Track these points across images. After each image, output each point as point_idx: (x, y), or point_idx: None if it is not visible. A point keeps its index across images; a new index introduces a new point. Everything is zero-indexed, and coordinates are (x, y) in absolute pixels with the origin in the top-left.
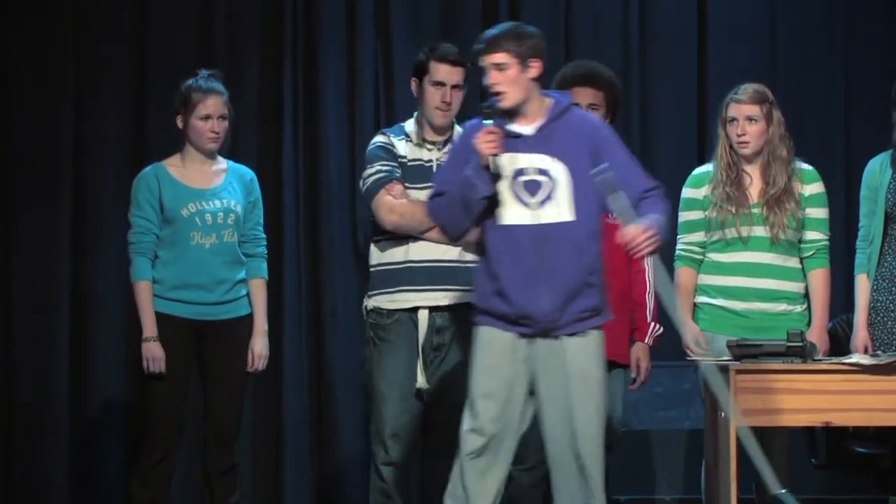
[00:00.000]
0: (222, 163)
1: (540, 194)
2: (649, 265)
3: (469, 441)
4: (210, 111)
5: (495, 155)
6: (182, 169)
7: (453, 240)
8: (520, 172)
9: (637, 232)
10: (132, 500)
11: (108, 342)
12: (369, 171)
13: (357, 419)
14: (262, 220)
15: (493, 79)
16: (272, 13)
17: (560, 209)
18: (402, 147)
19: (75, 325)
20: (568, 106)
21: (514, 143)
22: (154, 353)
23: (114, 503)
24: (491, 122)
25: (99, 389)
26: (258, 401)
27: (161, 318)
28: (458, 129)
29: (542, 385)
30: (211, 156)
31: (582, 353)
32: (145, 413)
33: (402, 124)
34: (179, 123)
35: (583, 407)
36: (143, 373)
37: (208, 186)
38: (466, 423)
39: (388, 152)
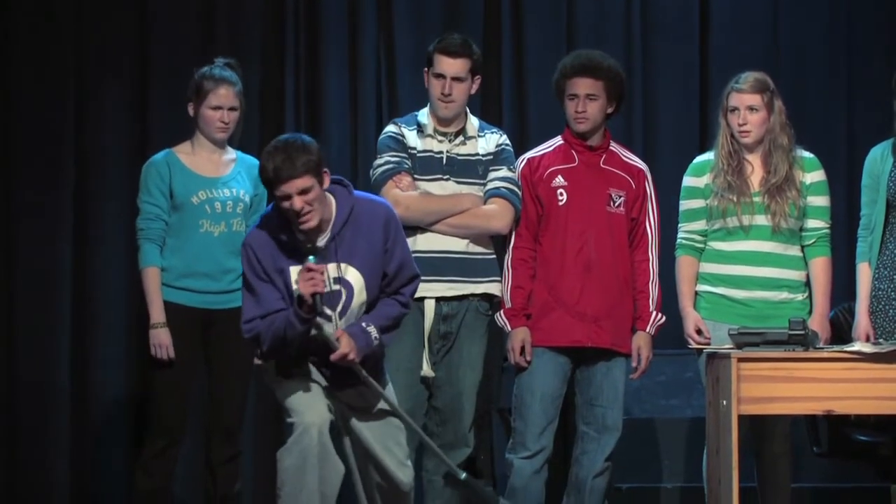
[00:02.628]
0: (231, 153)
1: (339, 305)
2: (653, 254)
3: None
4: (221, 101)
5: (318, 293)
6: (192, 157)
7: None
8: None
9: (344, 352)
10: (135, 488)
11: (110, 332)
12: (378, 161)
13: None
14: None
15: (301, 204)
16: (274, 3)
17: (357, 316)
18: (413, 138)
19: (77, 316)
20: (352, 205)
21: (300, 257)
22: (162, 340)
23: (116, 492)
24: (313, 258)
25: (101, 380)
26: (259, 389)
27: (168, 307)
28: (472, 120)
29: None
30: (220, 145)
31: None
32: (150, 401)
33: (416, 113)
34: (191, 111)
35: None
36: (148, 361)
37: (218, 175)
38: None
39: (398, 143)
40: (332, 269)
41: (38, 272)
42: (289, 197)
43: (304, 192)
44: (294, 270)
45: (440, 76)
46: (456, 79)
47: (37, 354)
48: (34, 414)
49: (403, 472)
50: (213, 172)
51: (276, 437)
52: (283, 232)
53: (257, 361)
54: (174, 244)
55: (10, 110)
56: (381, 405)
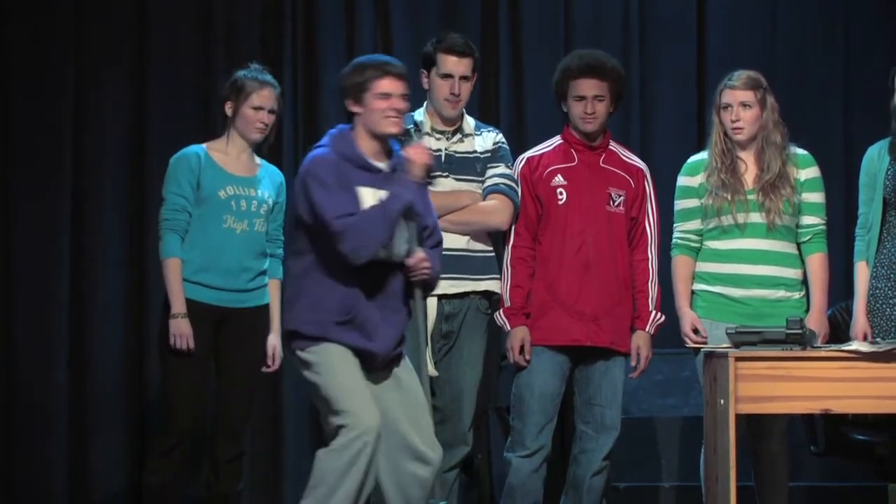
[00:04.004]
0: (257, 159)
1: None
2: (652, 253)
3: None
4: (263, 102)
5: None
6: (223, 155)
7: (358, 262)
8: None
9: (422, 256)
10: (144, 483)
11: (108, 331)
12: None
13: None
14: (283, 223)
15: (403, 104)
16: (273, 1)
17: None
18: None
19: (75, 314)
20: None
21: (373, 177)
22: (182, 330)
23: (114, 491)
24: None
25: (100, 380)
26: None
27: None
28: (468, 118)
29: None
30: (253, 147)
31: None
32: (163, 398)
33: (411, 114)
34: (228, 111)
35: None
36: (162, 357)
37: (247, 175)
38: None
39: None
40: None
41: (35, 270)
42: (389, 95)
43: (404, 96)
44: (363, 191)
45: (448, 76)
46: (463, 78)
47: (35, 354)
48: (33, 414)
49: (434, 451)
50: (244, 172)
51: (273, 437)
52: (352, 152)
53: (267, 369)
54: (195, 237)
55: (9, 109)
56: (413, 384)
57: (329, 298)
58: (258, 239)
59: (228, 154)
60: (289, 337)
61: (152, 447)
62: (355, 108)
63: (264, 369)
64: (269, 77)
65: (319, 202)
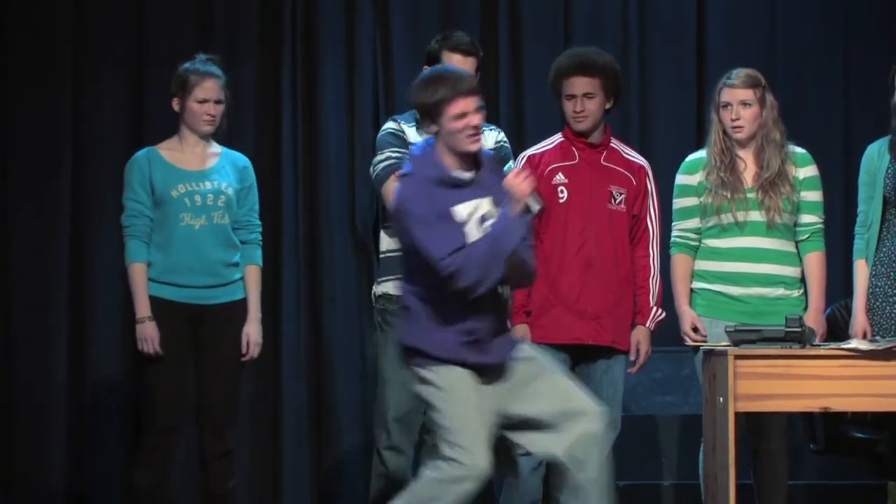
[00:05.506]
0: (216, 147)
1: None
2: (653, 251)
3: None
4: (207, 95)
5: (534, 189)
6: (175, 152)
7: (473, 296)
8: (485, 218)
9: (513, 175)
10: (133, 484)
11: (107, 330)
12: (379, 157)
13: (355, 405)
14: (256, 207)
15: (479, 120)
16: (272, 1)
17: None
18: (413, 134)
19: (74, 313)
20: None
21: (463, 192)
22: (147, 333)
23: (113, 491)
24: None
25: (99, 379)
26: (257, 386)
27: (156, 303)
28: None
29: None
30: (205, 139)
31: None
32: (145, 398)
33: (412, 112)
34: (176, 106)
35: None
36: (140, 358)
37: (200, 169)
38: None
39: (399, 139)
40: (488, 203)
41: (35, 270)
42: (465, 115)
43: (478, 109)
44: (458, 209)
45: None
46: None
47: (35, 354)
48: (32, 413)
49: (594, 407)
50: (195, 166)
51: (272, 435)
52: (440, 172)
53: (246, 358)
54: (158, 240)
55: (8, 108)
56: (534, 367)
57: (455, 318)
58: (221, 231)
59: (183, 151)
60: (409, 352)
61: (139, 447)
62: (432, 129)
63: (242, 359)
64: (212, 68)
65: (423, 244)
